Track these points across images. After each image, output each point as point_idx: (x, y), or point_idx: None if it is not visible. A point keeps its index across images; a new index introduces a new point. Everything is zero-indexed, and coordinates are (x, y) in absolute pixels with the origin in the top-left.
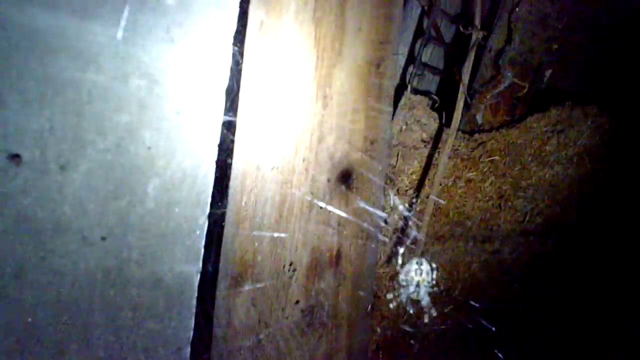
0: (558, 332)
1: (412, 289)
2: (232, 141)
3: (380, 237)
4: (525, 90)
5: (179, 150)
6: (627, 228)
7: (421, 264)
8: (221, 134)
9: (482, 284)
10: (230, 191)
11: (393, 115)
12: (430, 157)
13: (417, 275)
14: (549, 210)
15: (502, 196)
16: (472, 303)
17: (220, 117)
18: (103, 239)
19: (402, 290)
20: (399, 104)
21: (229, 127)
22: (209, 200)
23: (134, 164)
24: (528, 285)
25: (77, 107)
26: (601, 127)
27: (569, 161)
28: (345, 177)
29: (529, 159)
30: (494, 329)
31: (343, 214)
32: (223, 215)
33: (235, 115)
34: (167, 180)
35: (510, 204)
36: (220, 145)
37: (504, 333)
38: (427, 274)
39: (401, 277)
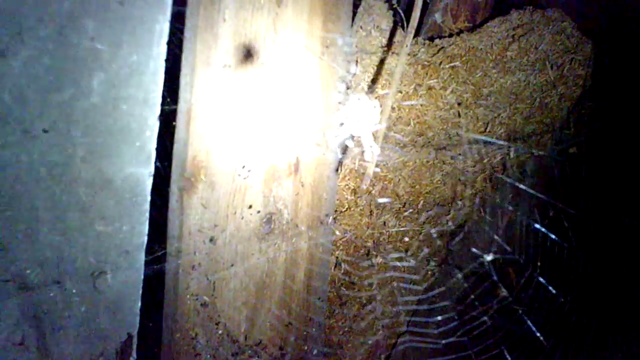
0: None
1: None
2: (183, 33)
3: (338, 146)
4: None
5: (125, 44)
6: (592, 133)
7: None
8: (170, 28)
9: (444, 197)
10: (180, 88)
11: (352, 21)
12: (389, 63)
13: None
14: (511, 119)
15: (463, 104)
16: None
17: (168, 11)
18: (45, 131)
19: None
20: (358, 10)
21: (178, 19)
22: (159, 100)
23: (77, 55)
24: (492, 197)
25: None
26: (563, 32)
27: (531, 67)
28: None
29: (490, 65)
30: (453, 243)
31: (300, 123)
32: (174, 116)
33: (184, 6)
34: (113, 74)
35: (471, 112)
36: (169, 41)
37: (467, 244)
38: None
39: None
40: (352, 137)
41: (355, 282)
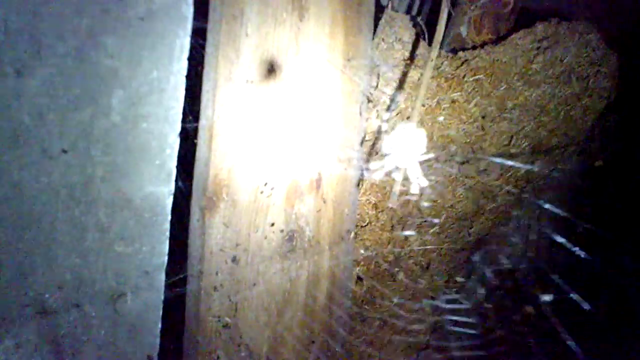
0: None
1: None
2: (204, 49)
3: (361, 163)
4: (511, 6)
5: (145, 60)
6: (617, 149)
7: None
8: (191, 44)
9: (467, 211)
10: (202, 104)
11: (374, 33)
12: (412, 76)
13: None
14: (535, 132)
15: (488, 117)
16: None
17: (188, 26)
18: (64, 151)
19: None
20: (380, 22)
21: (199, 34)
22: (179, 117)
23: (96, 73)
24: (515, 212)
25: (33, 7)
26: (588, 44)
27: (556, 80)
28: None
29: (515, 77)
30: (477, 257)
31: (322, 138)
32: (195, 133)
33: (205, 21)
34: (133, 92)
35: (495, 125)
36: (190, 57)
37: (490, 259)
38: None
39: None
40: (398, 168)
41: (376, 298)
